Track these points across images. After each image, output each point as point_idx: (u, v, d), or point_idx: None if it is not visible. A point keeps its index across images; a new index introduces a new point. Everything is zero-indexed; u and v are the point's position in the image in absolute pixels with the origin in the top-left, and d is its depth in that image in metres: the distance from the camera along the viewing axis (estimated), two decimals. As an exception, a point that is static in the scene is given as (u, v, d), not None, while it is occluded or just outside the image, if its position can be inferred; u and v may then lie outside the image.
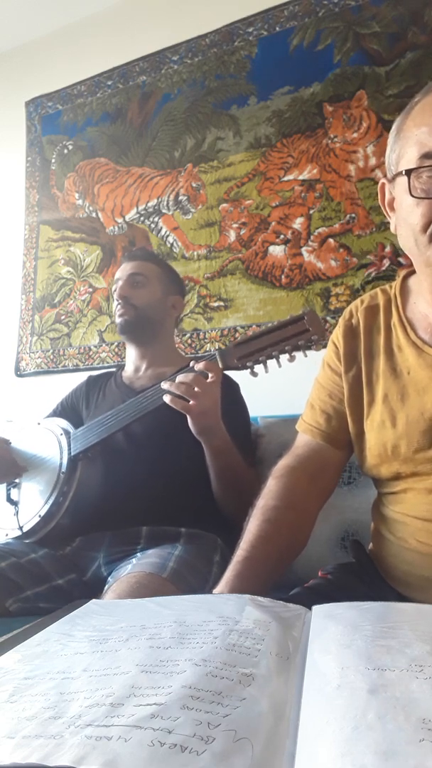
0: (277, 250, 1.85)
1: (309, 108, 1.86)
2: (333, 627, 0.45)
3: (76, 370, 2.14)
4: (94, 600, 0.61)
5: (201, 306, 1.95)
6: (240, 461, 1.16)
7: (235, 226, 1.94)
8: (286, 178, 1.87)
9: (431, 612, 0.50)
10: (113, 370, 1.50)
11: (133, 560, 1.05)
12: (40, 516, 1.18)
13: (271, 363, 1.07)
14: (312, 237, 1.79)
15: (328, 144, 1.81)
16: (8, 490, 1.29)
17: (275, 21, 1.94)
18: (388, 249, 1.68)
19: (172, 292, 1.42)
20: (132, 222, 2.16)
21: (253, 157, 1.94)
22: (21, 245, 2.43)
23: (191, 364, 1.12)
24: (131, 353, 1.43)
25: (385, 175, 0.79)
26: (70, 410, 1.43)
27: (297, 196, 1.84)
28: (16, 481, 1.28)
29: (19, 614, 1.02)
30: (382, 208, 0.80)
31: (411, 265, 0.85)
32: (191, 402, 1.05)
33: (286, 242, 1.83)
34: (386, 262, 1.67)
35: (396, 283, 0.86)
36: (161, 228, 2.09)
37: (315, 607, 0.52)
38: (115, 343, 2.09)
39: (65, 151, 2.39)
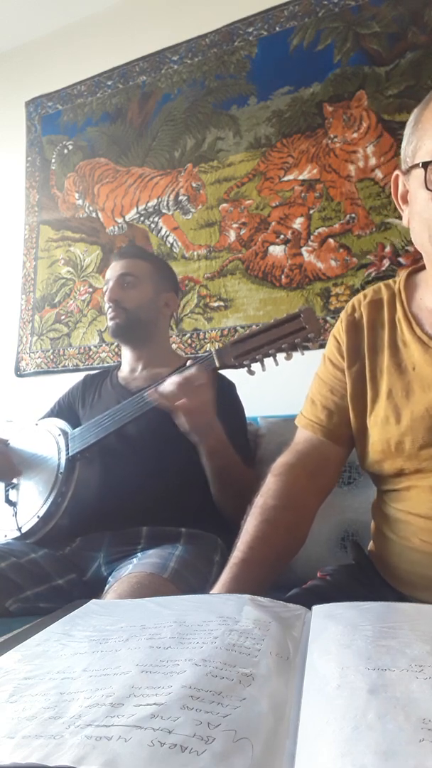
0: (277, 250, 1.85)
1: (309, 108, 1.86)
2: (333, 627, 0.45)
3: (76, 370, 2.14)
4: (94, 600, 0.61)
5: (201, 306, 1.95)
6: (237, 461, 1.16)
7: (235, 226, 1.94)
8: (286, 178, 1.87)
9: (431, 612, 0.50)
10: (110, 368, 1.50)
11: (134, 560, 1.05)
12: (38, 517, 1.18)
13: (268, 361, 1.07)
14: (312, 237, 1.79)
15: (328, 144, 1.81)
16: (6, 491, 1.29)
17: (275, 21, 1.94)
18: (388, 249, 1.68)
19: (164, 290, 1.39)
20: (132, 222, 2.16)
21: (253, 157, 1.94)
22: (21, 245, 2.43)
23: (188, 363, 1.12)
24: (126, 354, 1.42)
25: (395, 169, 0.77)
26: (67, 409, 1.42)
27: (297, 196, 1.84)
28: (14, 481, 1.28)
29: (19, 614, 1.02)
30: (395, 200, 0.78)
31: (411, 264, 0.85)
32: (178, 402, 1.05)
33: (286, 242, 1.83)
34: (386, 262, 1.67)
35: (401, 278, 0.84)
36: (161, 228, 2.09)
37: (315, 607, 0.52)
38: (115, 344, 2.09)
39: (65, 151, 2.39)
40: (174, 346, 1.82)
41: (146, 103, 2.20)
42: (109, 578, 1.05)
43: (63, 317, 2.26)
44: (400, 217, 1.01)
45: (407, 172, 0.74)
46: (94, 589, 1.04)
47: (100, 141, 2.30)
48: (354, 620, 0.47)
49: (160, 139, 2.14)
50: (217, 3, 2.07)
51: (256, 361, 1.07)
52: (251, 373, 1.08)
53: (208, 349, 1.90)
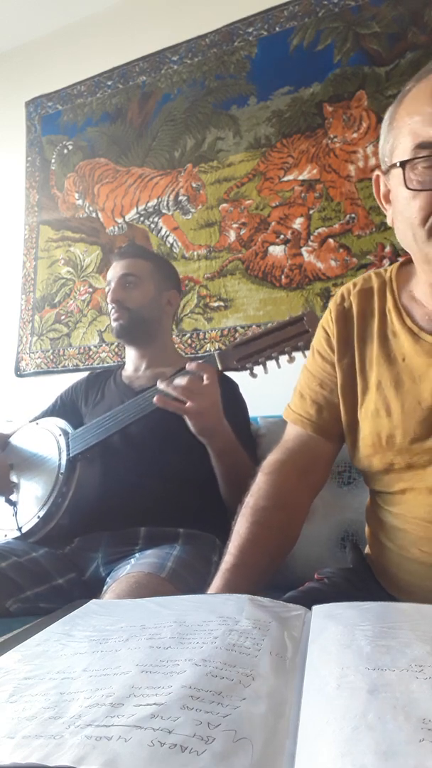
0: (277, 250, 1.85)
1: (309, 108, 1.86)
2: (333, 627, 0.45)
3: (76, 370, 2.14)
4: (94, 600, 0.61)
5: (201, 306, 1.95)
6: (246, 460, 1.15)
7: (235, 226, 1.94)
8: (286, 178, 1.87)
9: (431, 612, 0.49)
10: (114, 367, 1.50)
11: (132, 560, 1.05)
12: (39, 517, 1.18)
13: (271, 364, 1.07)
14: (312, 237, 1.79)
15: (328, 144, 1.81)
16: (7, 490, 1.29)
17: (275, 21, 1.94)
18: (387, 249, 1.68)
19: (166, 288, 1.39)
20: (132, 222, 2.16)
21: (253, 157, 1.94)
22: (21, 245, 2.43)
23: (187, 364, 1.12)
24: (130, 353, 1.42)
25: (379, 167, 0.76)
26: (69, 405, 1.42)
27: (297, 196, 1.84)
28: (15, 481, 1.28)
29: (19, 614, 1.02)
30: (378, 200, 0.77)
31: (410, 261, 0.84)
32: (188, 403, 1.04)
33: (286, 242, 1.83)
34: (386, 262, 1.67)
35: (393, 267, 0.82)
36: (161, 228, 2.09)
37: (315, 607, 0.52)
38: (115, 343, 2.09)
39: (65, 151, 2.39)
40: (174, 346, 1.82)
41: (146, 103, 2.20)
42: (107, 578, 1.05)
43: (63, 317, 2.26)
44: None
45: (387, 171, 0.72)
46: (93, 589, 1.04)
47: (100, 141, 2.30)
48: (354, 620, 0.47)
49: (160, 139, 2.14)
50: (217, 3, 2.07)
51: (259, 364, 1.07)
52: (253, 376, 1.08)
53: (208, 349, 1.90)
